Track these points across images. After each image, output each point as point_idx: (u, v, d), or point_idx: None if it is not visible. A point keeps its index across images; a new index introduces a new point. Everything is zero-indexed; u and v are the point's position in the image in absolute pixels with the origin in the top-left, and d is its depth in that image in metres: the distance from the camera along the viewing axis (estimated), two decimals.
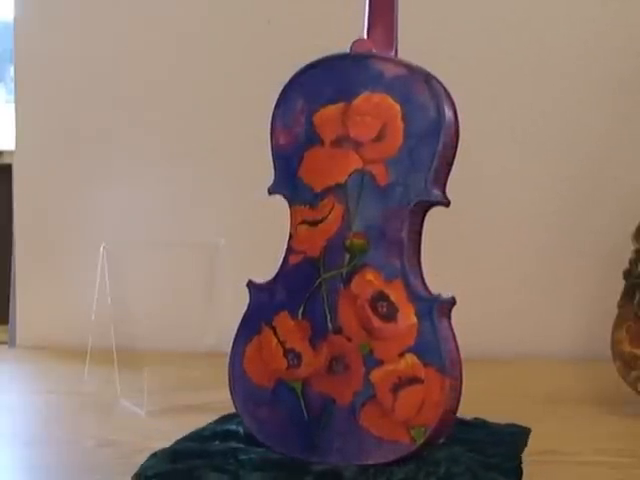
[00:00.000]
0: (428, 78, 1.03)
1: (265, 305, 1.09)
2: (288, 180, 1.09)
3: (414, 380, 1.01)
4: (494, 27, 1.60)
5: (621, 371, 1.33)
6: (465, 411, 1.20)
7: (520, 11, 1.60)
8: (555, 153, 1.61)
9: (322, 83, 1.08)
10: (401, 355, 1.01)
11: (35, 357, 1.58)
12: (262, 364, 1.09)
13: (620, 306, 1.35)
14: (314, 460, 1.04)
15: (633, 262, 1.34)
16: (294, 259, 1.08)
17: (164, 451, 1.06)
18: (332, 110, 1.07)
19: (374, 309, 1.04)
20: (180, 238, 1.59)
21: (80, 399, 1.36)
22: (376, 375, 1.03)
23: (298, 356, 1.07)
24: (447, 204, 1.04)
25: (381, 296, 1.03)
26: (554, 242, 1.62)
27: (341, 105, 1.06)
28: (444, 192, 1.04)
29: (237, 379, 1.10)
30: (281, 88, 1.09)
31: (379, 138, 1.04)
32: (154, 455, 1.05)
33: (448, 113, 1.03)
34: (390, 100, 1.04)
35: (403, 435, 1.01)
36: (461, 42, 1.59)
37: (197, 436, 1.12)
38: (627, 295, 1.34)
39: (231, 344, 1.10)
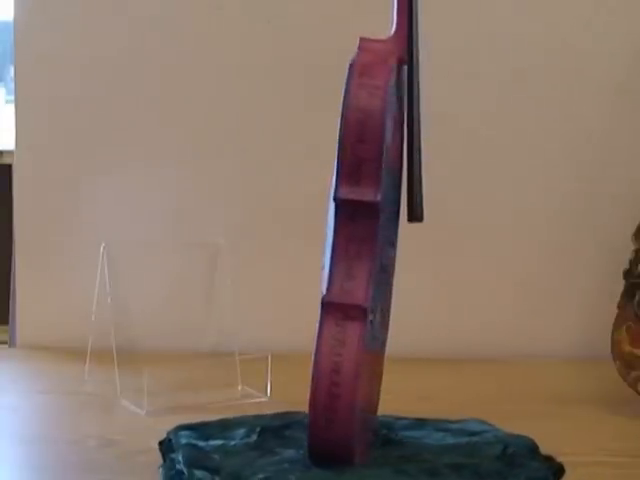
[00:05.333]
0: (350, 70, 0.99)
1: None
2: None
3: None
4: (486, 31, 1.59)
5: (621, 371, 1.33)
6: (464, 411, 1.20)
7: (518, 14, 1.59)
8: (554, 154, 1.61)
9: None
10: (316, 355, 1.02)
11: (35, 357, 1.57)
12: None
13: (620, 306, 1.35)
14: None
15: (633, 262, 1.34)
16: None
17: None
18: None
19: (321, 307, 1.03)
20: (180, 238, 1.59)
21: (80, 399, 1.36)
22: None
23: None
24: (368, 204, 0.99)
25: (324, 295, 1.03)
26: (554, 242, 1.62)
27: None
28: (371, 191, 0.99)
29: None
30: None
31: (337, 139, 1.03)
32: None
33: (353, 106, 0.98)
34: (346, 99, 1.01)
35: None
36: (456, 44, 1.59)
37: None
38: (627, 295, 1.34)
39: None
